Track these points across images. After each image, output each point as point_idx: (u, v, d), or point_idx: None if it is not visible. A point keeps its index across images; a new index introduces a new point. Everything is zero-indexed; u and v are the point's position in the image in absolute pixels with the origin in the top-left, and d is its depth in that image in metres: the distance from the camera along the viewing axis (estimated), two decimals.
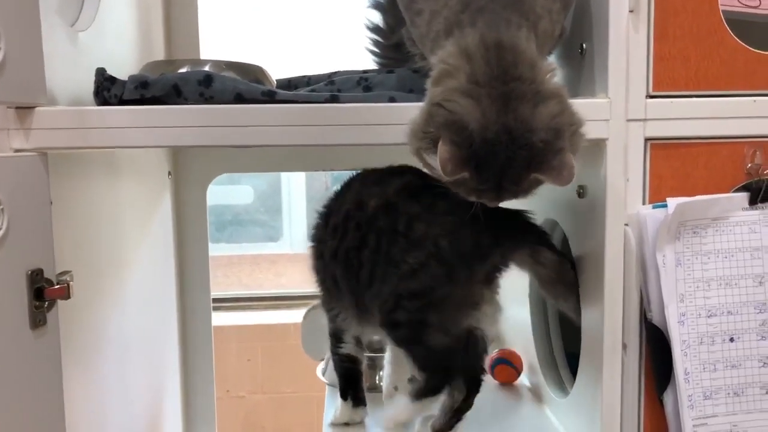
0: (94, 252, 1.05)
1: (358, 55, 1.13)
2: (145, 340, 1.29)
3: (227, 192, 3.02)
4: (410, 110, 0.83)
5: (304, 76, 1.11)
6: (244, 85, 0.89)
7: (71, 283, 0.86)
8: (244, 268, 3.01)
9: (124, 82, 0.88)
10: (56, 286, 0.84)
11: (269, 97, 0.87)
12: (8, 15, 0.77)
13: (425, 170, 0.86)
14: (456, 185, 0.80)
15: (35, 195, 0.83)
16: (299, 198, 3.03)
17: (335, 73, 1.06)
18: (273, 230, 3.13)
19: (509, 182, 0.78)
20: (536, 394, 1.25)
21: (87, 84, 0.93)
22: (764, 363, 0.88)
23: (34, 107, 0.83)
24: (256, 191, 3.11)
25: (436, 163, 0.77)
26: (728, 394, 0.88)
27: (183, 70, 0.95)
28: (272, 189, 3.10)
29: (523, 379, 1.32)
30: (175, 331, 1.47)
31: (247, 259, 3.04)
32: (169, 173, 1.43)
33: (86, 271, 0.99)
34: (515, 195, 0.81)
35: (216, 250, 2.83)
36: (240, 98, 0.87)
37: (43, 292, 0.82)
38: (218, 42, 1.55)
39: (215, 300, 1.57)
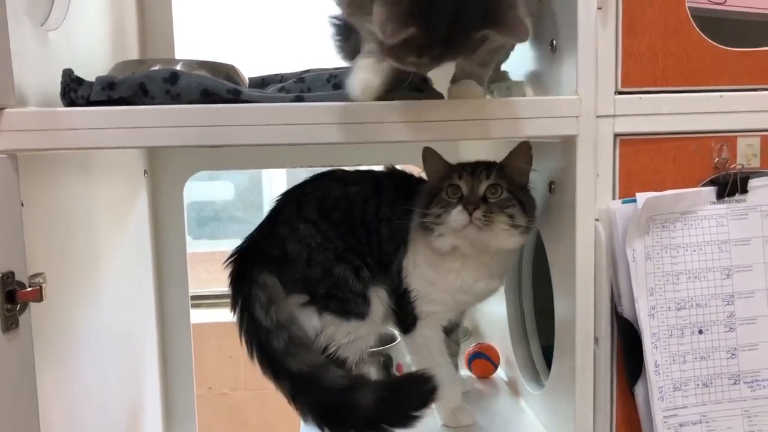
0: (67, 253, 1.04)
1: (332, 52, 1.13)
2: (122, 339, 1.28)
3: (208, 188, 3.01)
4: (378, 107, 0.84)
5: (276, 74, 1.11)
6: (211, 82, 0.88)
7: (44, 285, 0.85)
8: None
9: (91, 84, 0.87)
10: (28, 289, 0.83)
11: (234, 95, 0.87)
12: None
13: (366, 36, 0.81)
14: (398, 48, 0.74)
15: (5, 197, 0.82)
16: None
17: (307, 71, 1.06)
18: (254, 227, 3.12)
19: (459, 35, 0.73)
20: (513, 388, 1.26)
21: (57, 84, 0.92)
22: (732, 354, 0.90)
23: (3, 109, 0.82)
24: (236, 187, 3.10)
25: (375, 28, 0.72)
26: (697, 385, 0.90)
27: (154, 68, 0.94)
28: (253, 185, 3.09)
29: (500, 373, 1.33)
30: (153, 330, 1.47)
31: (227, 255, 3.02)
32: (145, 171, 1.42)
33: (60, 272, 0.98)
34: (462, 52, 0.76)
35: (197, 246, 2.81)
36: (206, 95, 0.87)
37: (15, 295, 0.82)
38: (194, 41, 1.55)
39: (195, 297, 1.56)
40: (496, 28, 0.73)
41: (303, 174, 1.15)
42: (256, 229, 1.09)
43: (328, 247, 1.01)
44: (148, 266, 1.44)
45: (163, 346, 1.51)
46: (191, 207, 1.47)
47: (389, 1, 0.71)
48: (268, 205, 3.30)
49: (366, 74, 0.83)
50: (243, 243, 1.08)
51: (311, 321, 1.02)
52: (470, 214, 0.94)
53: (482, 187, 0.97)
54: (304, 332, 1.01)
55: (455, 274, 1.00)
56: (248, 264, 1.05)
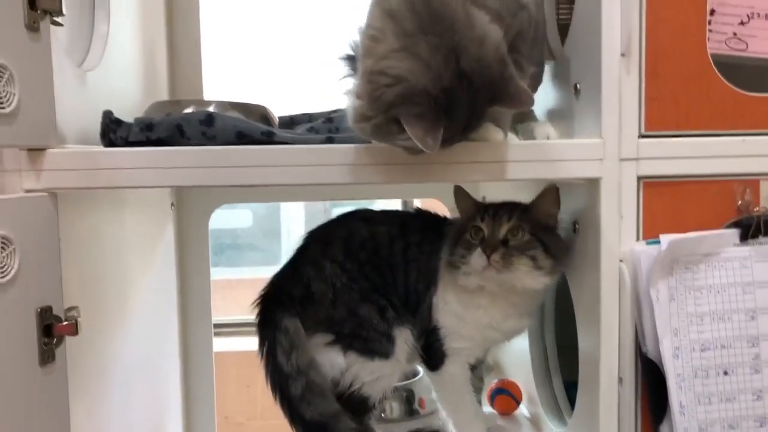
0: (99, 285, 1.07)
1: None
2: (147, 368, 1.30)
3: (226, 216, 3.04)
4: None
5: (305, 114, 1.14)
6: (245, 124, 0.91)
7: (79, 319, 0.88)
8: (243, 291, 3.01)
9: (129, 125, 0.90)
10: (65, 323, 0.86)
11: (268, 137, 0.90)
12: (23, 61, 0.80)
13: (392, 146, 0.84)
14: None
15: (45, 234, 0.85)
16: (298, 222, 3.05)
17: (334, 111, 1.09)
18: (271, 254, 3.15)
19: (474, 120, 0.79)
20: (535, 425, 1.27)
21: (94, 121, 0.96)
22: (758, 396, 0.90)
23: (45, 149, 0.85)
24: (255, 215, 3.13)
25: (410, 143, 0.76)
26: (723, 426, 0.90)
27: (188, 110, 0.98)
28: (271, 213, 3.12)
29: (523, 410, 1.33)
30: (176, 358, 1.49)
31: (245, 282, 3.05)
32: (172, 204, 1.45)
33: (92, 304, 1.01)
34: (476, 129, 0.82)
35: (214, 273, 2.83)
36: (241, 136, 0.90)
37: (52, 329, 0.84)
38: (221, 79, 1.59)
39: (216, 325, 1.58)
40: (503, 103, 0.79)
41: (320, 203, 1.17)
42: (281, 269, 1.11)
43: (353, 287, 1.03)
44: (173, 296, 1.47)
45: (186, 375, 1.52)
46: (209, 234, 1.50)
47: (415, 118, 0.76)
48: (286, 232, 3.32)
49: None
50: (268, 284, 1.10)
51: (336, 360, 1.03)
52: (488, 257, 0.95)
53: (503, 230, 0.98)
54: (323, 378, 1.03)
55: (483, 311, 1.02)
56: (273, 306, 1.06)
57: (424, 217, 1.13)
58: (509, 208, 1.01)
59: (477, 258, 0.96)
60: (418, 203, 1.92)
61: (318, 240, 1.09)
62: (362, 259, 1.04)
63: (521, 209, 1.00)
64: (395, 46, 0.77)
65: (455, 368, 1.05)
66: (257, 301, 1.08)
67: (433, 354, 1.05)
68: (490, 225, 0.99)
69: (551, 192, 0.99)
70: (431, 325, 1.04)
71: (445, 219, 1.11)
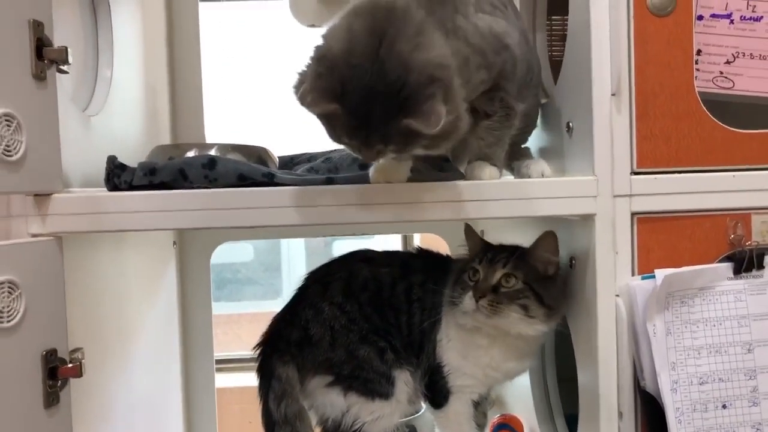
0: (102, 325, 1.08)
1: None
2: (150, 405, 1.31)
3: (227, 250, 3.05)
4: (401, 189, 0.89)
5: (304, 154, 1.16)
6: (246, 167, 0.93)
7: (83, 361, 0.89)
8: (244, 326, 3.01)
9: (133, 169, 0.92)
10: (69, 365, 0.87)
11: (269, 179, 0.92)
12: (30, 109, 0.82)
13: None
14: (329, 124, 0.80)
15: (51, 277, 0.86)
16: (299, 256, 3.06)
17: (333, 150, 1.11)
18: (272, 288, 3.15)
19: (378, 122, 0.77)
20: None
21: (98, 165, 0.98)
22: (757, 429, 0.91)
23: (51, 194, 0.87)
24: (255, 249, 3.14)
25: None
26: None
27: (190, 153, 1.00)
28: (271, 247, 3.13)
29: None
30: (179, 395, 1.49)
31: (246, 317, 3.05)
32: (174, 243, 1.47)
33: (95, 345, 1.02)
34: (389, 140, 0.79)
35: (216, 308, 2.84)
36: (242, 179, 0.92)
37: (57, 372, 0.85)
38: (222, 121, 1.62)
39: (218, 361, 1.59)
40: (411, 115, 0.76)
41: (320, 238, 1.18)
42: (281, 311, 1.12)
43: (352, 329, 1.03)
44: (175, 332, 1.48)
45: (188, 411, 1.53)
46: (210, 269, 1.52)
47: (313, 78, 0.78)
48: (286, 267, 3.31)
49: (388, 174, 0.91)
50: (268, 327, 1.11)
51: (337, 401, 1.04)
52: (476, 301, 0.97)
53: (496, 276, 0.98)
54: (306, 429, 1.05)
55: (484, 351, 1.02)
56: (270, 351, 1.07)
57: (425, 256, 1.14)
58: (508, 253, 1.01)
59: (468, 300, 0.98)
60: (418, 238, 1.94)
61: (317, 281, 1.10)
62: (363, 301, 1.05)
63: (518, 255, 1.00)
64: (337, 23, 0.80)
65: (459, 405, 1.06)
66: (257, 345, 1.09)
67: (437, 392, 1.05)
68: (485, 269, 1.00)
69: (548, 238, 0.99)
70: (435, 363, 1.04)
71: (447, 257, 1.13)
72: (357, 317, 1.04)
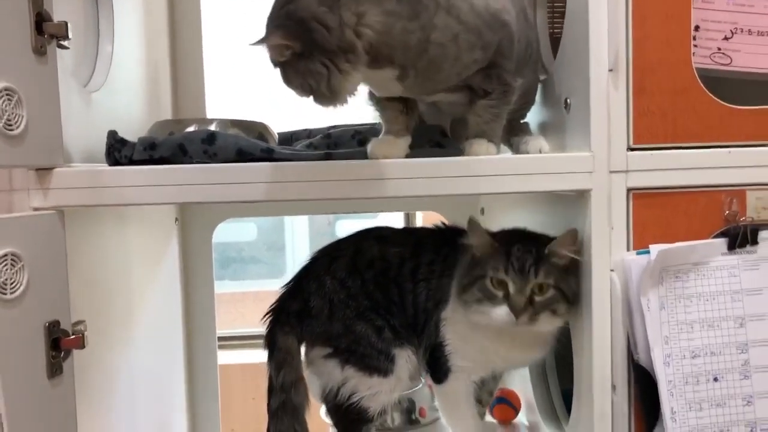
0: (105, 299, 1.10)
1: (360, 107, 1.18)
2: (153, 380, 1.33)
3: (231, 229, 3.06)
4: (398, 164, 0.90)
5: (304, 130, 1.17)
6: (246, 142, 0.94)
7: (85, 333, 0.90)
8: (248, 304, 3.04)
9: (133, 144, 0.93)
10: (72, 337, 0.89)
11: (268, 154, 0.93)
12: (30, 84, 0.83)
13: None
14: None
15: (53, 250, 0.88)
16: (302, 235, 3.07)
17: (333, 126, 1.12)
18: (276, 267, 3.17)
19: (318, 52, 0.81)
20: None
21: (99, 141, 0.99)
22: (748, 401, 0.92)
23: (53, 168, 0.88)
24: (259, 228, 3.15)
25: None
26: None
27: (190, 128, 1.01)
28: (275, 226, 3.15)
29: (522, 418, 1.35)
30: (182, 371, 1.51)
31: (250, 295, 3.07)
32: (176, 219, 1.48)
33: (98, 318, 1.04)
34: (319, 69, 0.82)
35: (219, 287, 2.85)
36: (241, 154, 0.93)
37: (60, 343, 0.87)
38: (223, 96, 1.62)
39: (221, 338, 1.61)
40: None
41: (324, 216, 1.19)
42: (287, 283, 1.13)
43: (350, 304, 1.04)
44: (177, 309, 1.50)
45: (191, 388, 1.55)
46: (214, 248, 1.53)
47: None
48: (290, 246, 3.33)
49: (386, 150, 0.92)
50: (276, 299, 1.12)
51: (334, 372, 1.05)
52: (516, 318, 0.95)
53: (529, 287, 0.96)
54: (301, 399, 1.07)
55: (490, 341, 1.02)
56: (274, 321, 1.10)
57: (442, 233, 1.13)
58: (533, 257, 0.97)
59: (504, 315, 0.96)
60: (420, 216, 1.95)
61: (326, 254, 1.11)
62: (367, 278, 1.06)
63: (544, 258, 0.97)
64: None
65: (458, 384, 1.07)
66: (264, 316, 1.11)
67: (437, 368, 1.07)
68: (516, 281, 0.96)
69: (571, 235, 0.97)
70: (437, 340, 1.05)
71: (463, 231, 1.07)
72: (357, 293, 1.05)
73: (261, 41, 0.84)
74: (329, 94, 0.83)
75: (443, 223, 1.16)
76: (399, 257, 1.07)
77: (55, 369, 0.86)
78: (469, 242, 1.02)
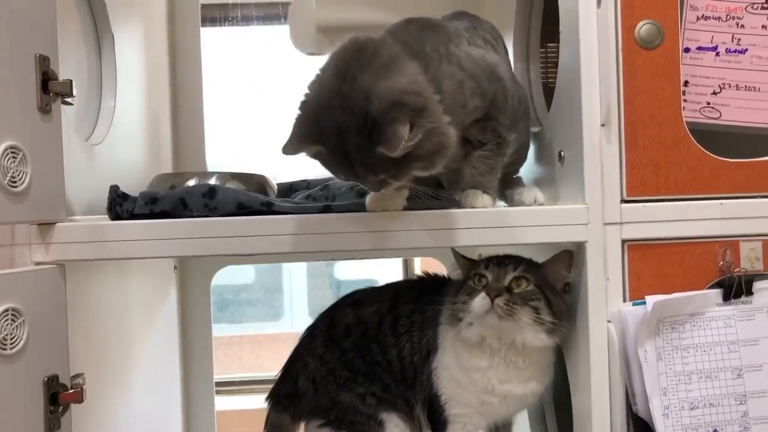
0: (103, 349, 1.10)
1: None
2: (150, 427, 1.32)
3: (228, 272, 3.05)
4: (395, 217, 0.91)
5: (303, 180, 1.18)
6: (245, 196, 0.96)
7: (84, 386, 0.90)
8: (245, 347, 3.02)
9: (135, 198, 0.95)
10: (70, 391, 0.89)
11: (267, 207, 0.94)
12: (35, 141, 0.85)
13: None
14: (322, 163, 0.85)
15: (53, 304, 0.88)
16: (300, 277, 3.07)
17: (332, 178, 1.13)
18: (274, 310, 3.16)
19: (359, 155, 0.80)
20: None
21: (101, 193, 1.00)
22: None
23: (55, 223, 0.89)
24: (257, 270, 3.15)
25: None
26: None
27: (191, 181, 1.02)
28: (273, 269, 3.14)
29: None
30: (179, 418, 1.50)
31: (247, 339, 3.05)
32: (175, 267, 1.49)
33: (97, 369, 1.03)
34: (375, 171, 0.82)
35: (217, 330, 2.84)
36: (241, 207, 0.94)
37: (58, 397, 0.87)
38: (224, 148, 1.65)
39: (218, 383, 1.60)
40: (380, 144, 0.79)
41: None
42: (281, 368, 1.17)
43: (329, 379, 1.07)
44: (175, 356, 1.49)
45: None
46: (212, 291, 1.54)
47: (294, 126, 0.84)
48: (288, 288, 3.31)
49: (384, 202, 0.94)
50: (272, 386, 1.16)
51: None
52: (492, 300, 0.96)
53: (508, 278, 0.98)
54: None
55: (481, 374, 1.02)
56: (271, 403, 1.14)
57: (422, 284, 1.14)
58: (514, 259, 1.01)
59: (480, 300, 0.96)
60: (418, 262, 1.96)
61: (309, 333, 1.14)
62: (345, 347, 1.07)
63: (527, 263, 1.00)
64: (319, 74, 0.85)
65: None
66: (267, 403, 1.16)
67: (436, 421, 1.06)
68: (494, 272, 0.99)
69: (565, 255, 0.99)
70: (433, 392, 1.05)
71: (445, 279, 1.12)
72: (336, 367, 1.07)
73: None
74: None
75: (426, 273, 1.17)
76: (377, 315, 1.08)
77: (53, 424, 0.86)
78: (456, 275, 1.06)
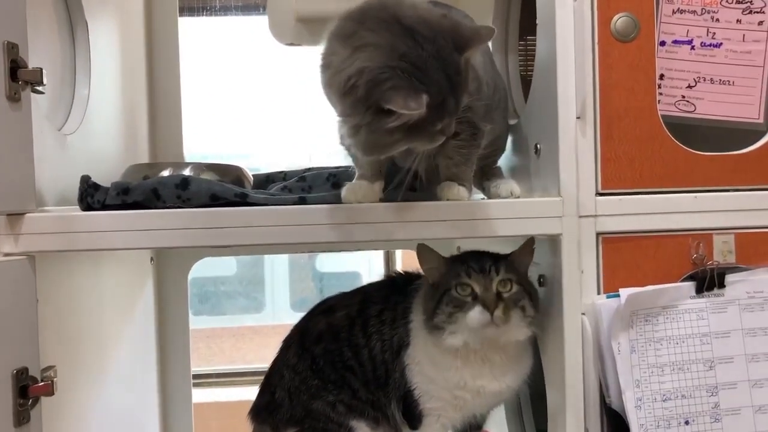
0: (77, 342, 1.09)
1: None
2: (126, 422, 1.30)
3: (209, 264, 3.04)
4: (370, 209, 0.91)
5: (280, 172, 1.18)
6: (219, 187, 0.95)
7: (55, 379, 0.89)
8: (227, 339, 3.01)
9: (106, 189, 0.93)
10: (40, 384, 0.87)
11: (241, 198, 0.94)
12: (3, 130, 0.83)
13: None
14: (429, 123, 0.82)
15: (22, 296, 0.87)
16: (282, 269, 3.06)
17: (308, 169, 1.13)
18: (255, 302, 3.15)
19: (454, 74, 0.81)
20: None
21: (74, 183, 0.98)
22: None
23: (24, 214, 0.88)
24: (238, 262, 3.14)
25: (404, 117, 0.78)
26: None
27: (165, 172, 1.01)
28: (254, 260, 3.13)
29: None
30: (156, 411, 1.49)
31: (229, 330, 3.04)
32: (152, 258, 1.47)
33: (70, 362, 1.02)
34: (465, 86, 0.83)
35: (198, 322, 2.83)
36: (215, 198, 0.93)
37: (28, 390, 0.85)
38: (202, 137, 1.63)
39: (197, 376, 1.59)
40: (470, 43, 0.81)
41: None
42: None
43: (302, 388, 1.08)
44: (152, 349, 1.48)
45: (165, 427, 1.52)
46: (192, 283, 1.52)
47: (391, 91, 0.78)
48: (269, 280, 3.30)
49: (360, 194, 0.93)
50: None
51: None
52: (491, 314, 0.94)
53: (494, 284, 0.97)
54: None
55: (454, 371, 1.01)
56: (253, 415, 1.16)
57: (393, 282, 1.14)
58: (492, 260, 1.00)
59: (478, 315, 0.95)
60: (399, 254, 1.96)
61: (284, 344, 1.15)
62: (317, 354, 1.08)
63: (502, 261, 1.00)
64: (346, 54, 0.82)
65: (431, 429, 1.06)
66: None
67: (411, 415, 1.06)
68: (480, 281, 0.97)
69: (531, 243, 1.00)
70: (406, 387, 1.05)
71: (416, 276, 1.10)
72: (307, 376, 1.08)
73: None
74: None
75: (395, 272, 1.18)
76: (347, 319, 1.09)
77: (22, 417, 0.85)
78: (424, 273, 1.04)
